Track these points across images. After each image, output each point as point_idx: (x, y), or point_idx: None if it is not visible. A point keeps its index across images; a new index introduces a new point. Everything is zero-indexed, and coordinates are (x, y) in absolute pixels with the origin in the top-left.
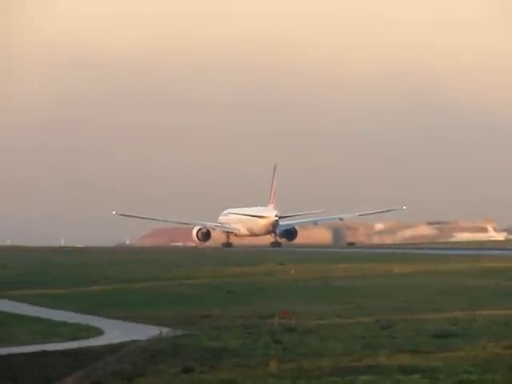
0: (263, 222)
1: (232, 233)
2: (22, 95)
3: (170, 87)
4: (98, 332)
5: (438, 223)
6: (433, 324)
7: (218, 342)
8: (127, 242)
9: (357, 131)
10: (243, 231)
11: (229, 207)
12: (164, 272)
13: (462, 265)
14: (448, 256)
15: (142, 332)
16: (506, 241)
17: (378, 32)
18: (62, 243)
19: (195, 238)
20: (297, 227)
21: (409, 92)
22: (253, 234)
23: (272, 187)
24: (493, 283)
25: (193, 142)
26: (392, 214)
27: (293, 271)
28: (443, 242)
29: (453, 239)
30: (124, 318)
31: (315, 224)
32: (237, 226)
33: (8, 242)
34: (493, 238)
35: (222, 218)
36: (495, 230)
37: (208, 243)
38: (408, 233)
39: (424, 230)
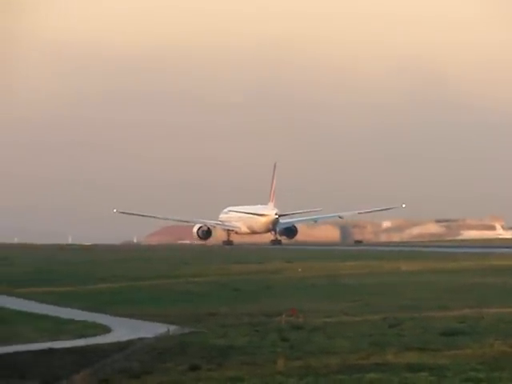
0: (263, 220)
1: (232, 231)
2: (27, 92)
3: (171, 85)
4: (106, 330)
5: (446, 221)
6: (440, 322)
7: (225, 340)
8: (134, 240)
9: (359, 128)
10: (244, 229)
11: (229, 205)
12: (171, 270)
13: (470, 263)
14: (455, 254)
15: (150, 330)
16: None
17: (379, 29)
18: (70, 241)
19: (196, 236)
20: (297, 225)
21: (411, 89)
22: (253, 232)
23: (272, 186)
24: (500, 281)
25: (193, 141)
26: (399, 212)
27: (300, 269)
28: (451, 240)
29: (460, 237)
30: (131, 316)
31: (315, 222)
32: (237, 224)
33: (15, 240)
34: (501, 236)
35: (222, 216)
36: (503, 227)
37: (208, 241)
38: (415, 231)
39: (431, 228)
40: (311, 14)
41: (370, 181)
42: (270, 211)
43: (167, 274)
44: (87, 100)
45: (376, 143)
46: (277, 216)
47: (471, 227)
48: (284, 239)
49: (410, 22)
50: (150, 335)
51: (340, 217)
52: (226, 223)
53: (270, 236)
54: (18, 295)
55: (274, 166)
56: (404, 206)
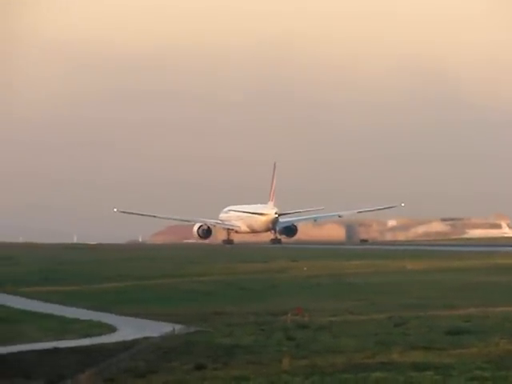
0: (263, 219)
1: (233, 230)
2: (28, 91)
3: (170, 83)
4: (111, 329)
5: (451, 220)
6: (446, 321)
7: (231, 339)
8: (140, 240)
9: (360, 127)
10: (244, 228)
11: (229, 204)
12: (176, 269)
13: (475, 261)
14: (461, 253)
15: (155, 329)
16: None
17: (379, 28)
18: (75, 240)
19: (196, 235)
20: (297, 224)
21: (411, 88)
22: (253, 231)
23: (272, 185)
24: (506, 280)
25: (193, 140)
26: (405, 211)
27: (305, 268)
28: (456, 239)
29: (466, 236)
30: (136, 315)
31: (315, 221)
32: (237, 223)
33: (20, 239)
34: (506, 235)
35: (222, 215)
36: (508, 226)
37: (209, 240)
38: (421, 229)
39: (437, 227)
40: (311, 13)
41: (372, 180)
42: (269, 210)
43: (172, 273)
44: (89, 100)
45: (377, 142)
46: (276, 215)
47: (476, 226)
48: (284, 238)
49: (410, 21)
50: (155, 334)
51: (339, 216)
52: (226, 222)
53: (269, 235)
54: (23, 294)
55: (274, 166)
56: (403, 204)
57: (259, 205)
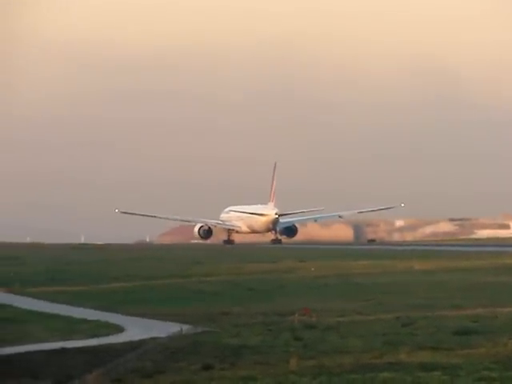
0: (264, 219)
1: (233, 230)
2: (28, 91)
3: (170, 83)
4: (118, 329)
5: (459, 220)
6: (453, 321)
7: (238, 339)
8: (147, 240)
9: (364, 127)
10: (244, 228)
11: (230, 205)
12: (183, 269)
13: (483, 262)
14: (469, 253)
15: (162, 329)
16: None
17: (380, 27)
18: (82, 240)
19: (197, 235)
20: (297, 224)
21: (412, 88)
22: (253, 232)
23: (272, 186)
24: None
25: (194, 140)
26: (412, 211)
27: (313, 268)
28: (464, 239)
29: (474, 236)
30: (144, 315)
31: (315, 221)
32: (238, 224)
33: (28, 240)
34: None
35: (223, 216)
36: None
37: (209, 240)
38: (428, 229)
39: (445, 227)
40: (310, 12)
41: (377, 180)
42: (270, 211)
43: (180, 273)
44: (89, 99)
45: (382, 141)
46: (277, 216)
47: (484, 226)
48: (284, 239)
49: (413, 21)
50: (162, 335)
51: (340, 216)
52: (227, 223)
53: (270, 235)
54: (30, 295)
55: (274, 166)
56: (403, 205)
57: (259, 205)
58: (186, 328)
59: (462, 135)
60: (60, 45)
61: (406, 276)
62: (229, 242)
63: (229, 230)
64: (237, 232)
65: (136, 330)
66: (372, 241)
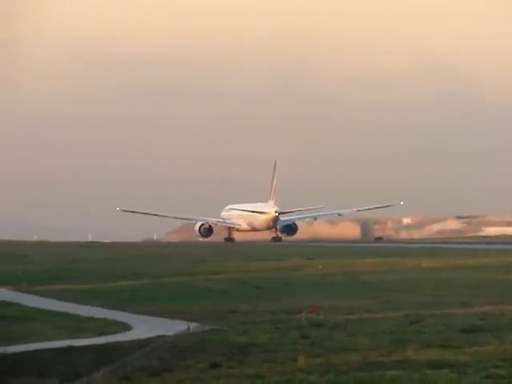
0: (264, 217)
1: (234, 228)
2: (33, 90)
3: (171, 81)
4: (126, 327)
5: (467, 217)
6: (461, 319)
7: (246, 337)
8: (154, 238)
9: (369, 124)
10: (244, 226)
11: (231, 203)
12: (191, 267)
13: (491, 259)
14: (476, 250)
15: (170, 327)
16: None
17: (380, 24)
18: (90, 239)
19: (198, 233)
20: (297, 222)
21: (413, 85)
22: (254, 229)
23: (272, 184)
24: None
25: (194, 138)
26: (420, 208)
27: (320, 266)
28: (471, 237)
29: (481, 233)
30: (151, 314)
31: (315, 219)
32: (238, 222)
33: (35, 238)
34: None
35: (223, 214)
36: None
37: (210, 238)
38: (436, 227)
39: (452, 225)
40: (310, 9)
41: (375, 178)
42: (270, 209)
43: (187, 271)
44: (92, 98)
45: (382, 139)
46: (277, 214)
47: (492, 224)
48: (284, 236)
49: (421, 17)
50: (170, 333)
51: (339, 214)
52: (228, 221)
53: (270, 233)
54: (38, 293)
55: (275, 165)
56: (402, 203)
57: (260, 203)
58: (193, 326)
59: (469, 132)
60: (64, 43)
61: (413, 274)
62: (229, 239)
63: (229, 227)
64: (237, 230)
65: (143, 328)
66: (379, 239)
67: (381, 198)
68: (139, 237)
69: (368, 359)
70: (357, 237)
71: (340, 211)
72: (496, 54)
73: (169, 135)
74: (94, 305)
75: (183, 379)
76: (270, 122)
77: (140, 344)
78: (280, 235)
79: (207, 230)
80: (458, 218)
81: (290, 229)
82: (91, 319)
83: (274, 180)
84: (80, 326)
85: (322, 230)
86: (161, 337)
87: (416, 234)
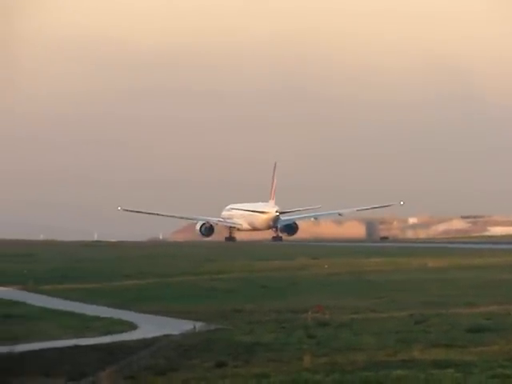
0: (264, 217)
1: (234, 227)
2: (32, 89)
3: (171, 81)
4: (132, 326)
5: (472, 217)
6: (467, 318)
7: (252, 337)
8: (160, 237)
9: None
10: (245, 226)
11: (231, 203)
12: (196, 266)
13: (497, 259)
14: (482, 250)
15: (176, 326)
16: None
17: (380, 24)
18: (95, 238)
19: (198, 233)
20: (297, 222)
21: (413, 85)
22: (254, 229)
23: (272, 184)
24: None
25: (195, 138)
26: (425, 208)
27: (326, 266)
28: (477, 236)
29: (487, 233)
30: (157, 313)
31: (316, 219)
32: (239, 221)
33: (41, 237)
34: None
35: (224, 214)
36: None
37: (211, 238)
38: (442, 227)
39: (458, 224)
40: (310, 9)
41: (378, 177)
42: (270, 209)
43: (192, 270)
44: (93, 97)
45: (383, 139)
46: (277, 213)
47: (498, 223)
48: (285, 236)
49: (421, 17)
50: (175, 332)
51: (340, 214)
52: (229, 220)
53: (271, 232)
54: (43, 292)
55: (275, 166)
56: (402, 203)
57: (260, 203)
58: (199, 325)
59: (469, 132)
60: (64, 43)
61: (419, 273)
62: (230, 239)
63: (230, 227)
64: (238, 229)
65: (149, 327)
66: (385, 238)
67: (381, 198)
68: (144, 236)
69: (373, 359)
70: (362, 236)
71: (340, 211)
72: (496, 54)
73: (169, 135)
74: (100, 304)
75: (189, 378)
76: (270, 122)
77: (146, 343)
78: (280, 235)
79: (208, 230)
80: (464, 217)
81: (291, 228)
82: (97, 318)
83: (275, 180)
84: (86, 325)
85: (328, 229)
86: (166, 336)
87: (422, 234)
